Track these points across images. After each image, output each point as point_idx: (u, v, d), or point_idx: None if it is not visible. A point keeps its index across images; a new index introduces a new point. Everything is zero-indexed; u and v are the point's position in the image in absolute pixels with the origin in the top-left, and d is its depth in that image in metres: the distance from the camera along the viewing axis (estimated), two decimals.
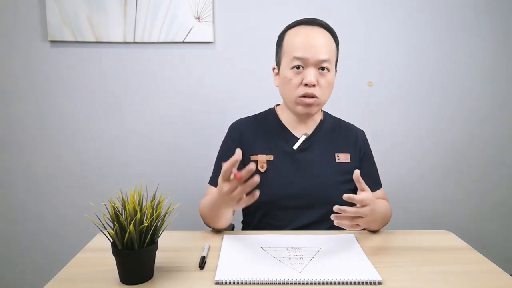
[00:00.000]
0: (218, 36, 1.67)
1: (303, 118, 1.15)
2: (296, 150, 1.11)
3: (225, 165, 0.82)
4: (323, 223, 1.10)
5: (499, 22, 1.71)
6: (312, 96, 1.06)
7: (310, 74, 1.04)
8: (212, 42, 1.66)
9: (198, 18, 1.63)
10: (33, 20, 1.62)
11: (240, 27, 1.67)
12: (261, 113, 1.24)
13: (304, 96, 1.06)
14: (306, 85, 1.05)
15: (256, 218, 1.14)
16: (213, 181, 1.16)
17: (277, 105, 1.24)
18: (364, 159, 1.18)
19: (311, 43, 1.05)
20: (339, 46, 1.14)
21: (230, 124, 1.23)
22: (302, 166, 1.12)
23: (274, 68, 1.17)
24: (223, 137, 1.22)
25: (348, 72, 1.69)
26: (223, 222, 1.02)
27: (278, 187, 1.10)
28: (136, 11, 1.61)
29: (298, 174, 1.11)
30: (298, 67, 1.06)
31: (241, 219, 1.26)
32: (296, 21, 1.12)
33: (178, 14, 1.62)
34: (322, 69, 1.06)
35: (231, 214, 1.06)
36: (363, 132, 1.24)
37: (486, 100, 1.76)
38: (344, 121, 1.25)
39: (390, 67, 1.72)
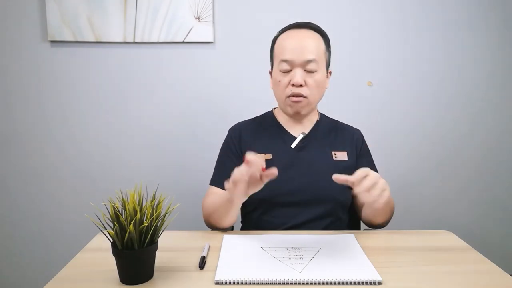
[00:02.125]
0: (218, 36, 1.67)
1: (298, 118, 1.17)
2: (294, 149, 1.12)
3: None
4: (322, 220, 1.11)
5: (505, 21, 1.71)
6: (300, 96, 1.10)
7: (297, 75, 1.08)
8: (212, 42, 1.66)
9: (198, 18, 1.63)
10: (33, 20, 1.62)
11: (240, 27, 1.67)
12: (259, 116, 1.27)
13: (292, 95, 1.10)
14: (293, 85, 1.09)
15: (255, 217, 1.15)
16: (214, 182, 1.17)
17: (274, 108, 1.27)
18: (361, 156, 1.20)
19: (297, 45, 1.09)
20: (330, 47, 1.16)
21: (229, 124, 1.25)
22: (300, 164, 1.13)
23: (270, 72, 1.21)
24: (223, 137, 1.24)
25: (348, 72, 1.69)
26: (229, 219, 1.03)
27: (277, 185, 1.10)
28: (136, 11, 1.61)
29: (297, 171, 1.13)
30: (286, 69, 1.09)
31: (240, 219, 1.26)
32: (287, 25, 1.16)
33: (178, 14, 1.62)
34: (310, 69, 1.09)
35: (237, 212, 1.06)
36: (359, 130, 1.26)
37: (489, 101, 1.76)
38: (340, 122, 1.27)
39: (390, 67, 1.72)
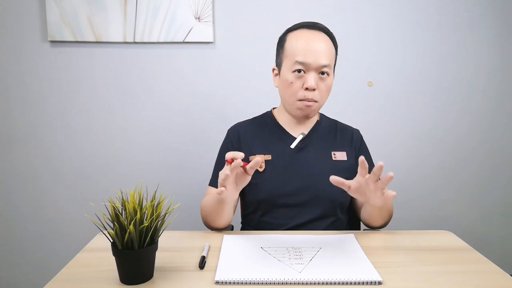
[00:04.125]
0: (218, 36, 1.67)
1: (301, 119, 1.17)
2: (294, 149, 1.12)
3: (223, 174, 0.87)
4: (322, 220, 1.11)
5: (504, 22, 1.71)
6: (312, 100, 1.09)
7: (311, 79, 1.07)
8: (212, 42, 1.66)
9: (198, 18, 1.63)
10: (33, 20, 1.62)
11: (240, 27, 1.67)
12: (258, 116, 1.26)
13: (304, 99, 1.09)
14: (306, 89, 1.07)
15: (256, 218, 1.15)
16: (213, 183, 1.17)
17: (273, 108, 1.26)
18: (360, 156, 1.19)
19: (312, 48, 1.07)
20: (337, 49, 1.15)
21: (229, 124, 1.25)
22: (300, 164, 1.13)
23: (274, 69, 1.19)
24: (223, 137, 1.23)
25: (348, 72, 1.69)
26: (224, 219, 1.03)
27: (277, 185, 1.11)
28: (136, 11, 1.61)
29: (296, 172, 1.12)
30: (299, 71, 1.08)
31: (240, 219, 1.26)
32: (297, 24, 1.13)
33: (178, 14, 1.62)
34: (322, 73, 1.08)
35: (232, 211, 1.06)
36: (358, 130, 1.26)
37: (488, 102, 1.76)
38: (340, 122, 1.27)
39: (390, 67, 1.72)
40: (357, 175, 0.91)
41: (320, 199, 1.11)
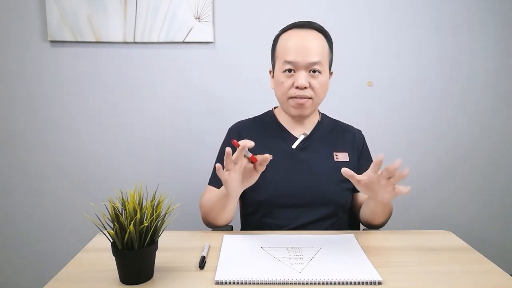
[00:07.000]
0: (218, 36, 1.67)
1: (299, 119, 1.16)
2: (295, 150, 1.12)
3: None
4: (323, 221, 1.11)
5: (502, 22, 1.71)
6: (304, 97, 1.08)
7: (301, 77, 1.06)
8: (212, 42, 1.66)
9: (198, 18, 1.63)
10: (33, 20, 1.62)
11: (240, 27, 1.67)
12: (259, 115, 1.26)
13: (295, 97, 1.08)
14: (297, 87, 1.07)
15: (257, 218, 1.14)
16: (212, 182, 1.17)
17: (275, 107, 1.25)
18: (362, 157, 1.19)
19: (302, 46, 1.06)
20: (332, 46, 1.14)
21: (229, 124, 1.25)
22: (302, 165, 1.13)
23: (270, 71, 1.19)
24: (223, 137, 1.23)
25: (348, 72, 1.69)
26: (226, 216, 1.02)
27: (278, 186, 1.11)
28: (136, 11, 1.61)
29: (298, 172, 1.12)
30: (289, 70, 1.07)
31: (239, 220, 1.26)
32: (290, 24, 1.13)
33: (178, 14, 1.62)
34: (314, 71, 1.07)
35: (234, 209, 1.04)
36: (360, 131, 1.26)
37: (487, 101, 1.76)
38: (341, 122, 1.26)
39: (390, 67, 1.72)
40: (369, 171, 0.89)
41: (322, 200, 1.10)
